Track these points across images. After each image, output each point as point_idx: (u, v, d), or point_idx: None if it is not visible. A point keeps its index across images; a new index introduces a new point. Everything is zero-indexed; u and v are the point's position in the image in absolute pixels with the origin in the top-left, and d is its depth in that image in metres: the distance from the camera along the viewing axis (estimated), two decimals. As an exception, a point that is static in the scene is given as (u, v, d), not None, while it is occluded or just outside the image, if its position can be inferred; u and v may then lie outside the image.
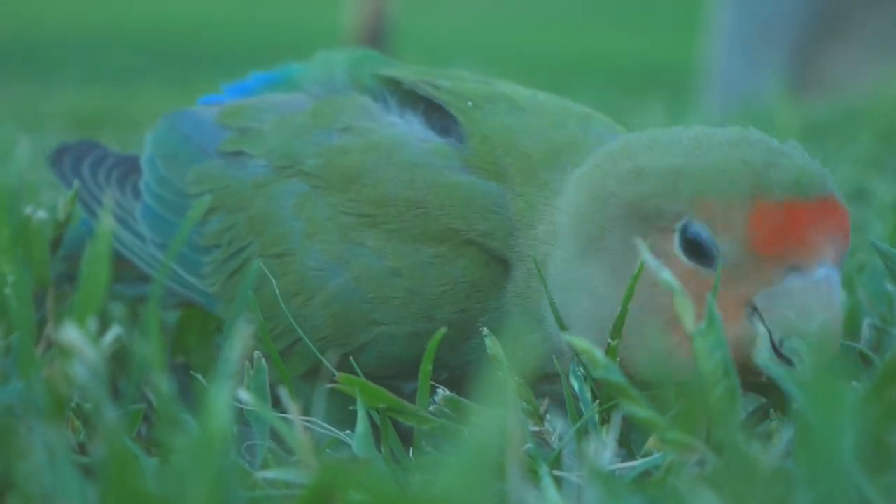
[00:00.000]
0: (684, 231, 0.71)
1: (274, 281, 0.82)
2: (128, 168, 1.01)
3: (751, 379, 0.70)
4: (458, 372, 0.81)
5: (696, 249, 0.70)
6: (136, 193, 0.97)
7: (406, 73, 0.92)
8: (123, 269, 0.98)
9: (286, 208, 0.86)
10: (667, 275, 0.65)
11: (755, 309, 0.70)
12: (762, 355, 0.68)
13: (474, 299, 0.80)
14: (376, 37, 6.77)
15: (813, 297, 0.69)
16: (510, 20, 11.33)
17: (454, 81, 0.90)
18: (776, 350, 0.69)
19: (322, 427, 0.74)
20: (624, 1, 12.81)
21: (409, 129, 0.86)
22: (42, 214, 0.92)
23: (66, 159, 1.04)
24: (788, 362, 0.68)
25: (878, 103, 2.74)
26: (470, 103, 0.86)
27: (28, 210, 0.93)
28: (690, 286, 0.69)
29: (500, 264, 0.80)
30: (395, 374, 0.82)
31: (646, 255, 0.68)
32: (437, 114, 0.87)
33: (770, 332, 0.69)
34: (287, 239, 0.85)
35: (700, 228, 0.70)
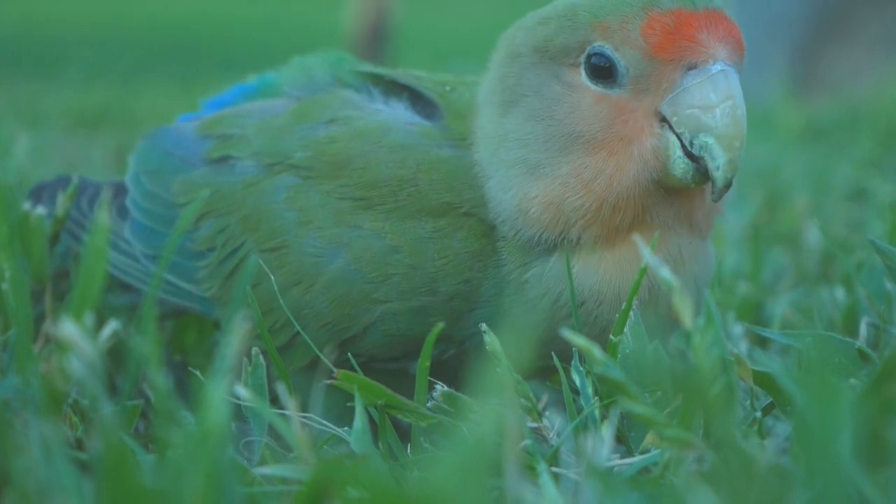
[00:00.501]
0: (588, 60, 0.77)
1: (272, 275, 0.83)
2: (111, 193, 0.99)
3: (677, 189, 0.77)
4: (466, 345, 0.81)
5: (601, 71, 0.77)
6: (123, 214, 0.97)
7: (384, 70, 0.94)
8: (112, 283, 0.98)
9: (278, 202, 0.86)
10: (665, 272, 0.65)
11: (664, 119, 0.76)
12: (678, 165, 0.75)
13: (476, 269, 0.81)
14: (378, 37, 6.75)
15: (711, 89, 0.74)
16: (512, 22, 11.31)
17: (430, 73, 0.93)
18: (689, 154, 0.75)
19: (320, 423, 0.74)
20: (626, 1, 12.80)
21: (395, 114, 0.87)
22: (40, 210, 0.92)
23: (45, 194, 1.04)
24: (701, 162, 0.74)
25: (878, 104, 2.73)
26: (448, 87, 0.89)
27: (27, 206, 0.93)
28: (603, 110, 0.76)
29: (491, 219, 0.81)
30: (402, 355, 0.82)
31: (643, 249, 0.68)
32: (420, 102, 0.89)
33: (679, 136, 0.75)
34: (281, 231, 0.85)
35: (601, 48, 0.76)
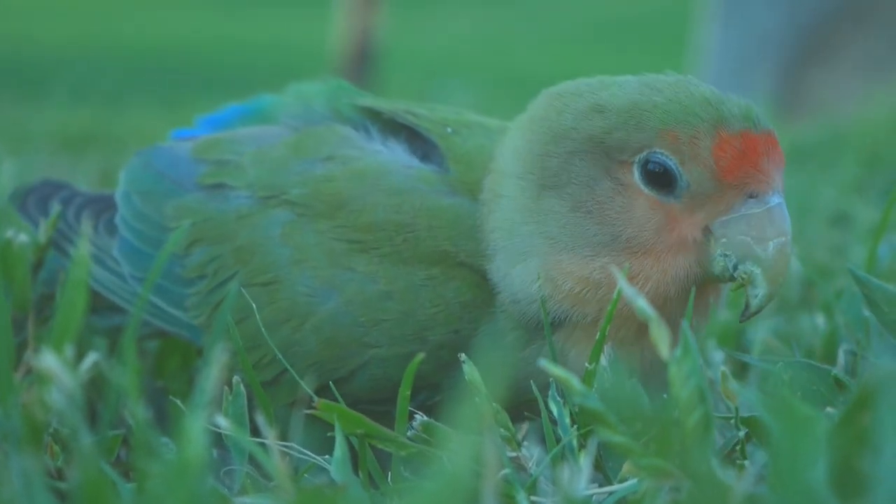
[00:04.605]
0: (645, 164, 0.76)
1: (256, 310, 0.82)
2: (99, 207, 1.00)
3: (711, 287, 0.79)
4: (450, 394, 0.81)
5: (657, 179, 0.76)
6: (111, 231, 0.96)
7: (382, 103, 0.93)
8: (98, 302, 0.98)
9: (272, 237, 0.86)
10: (642, 302, 0.65)
11: (711, 233, 0.76)
12: (717, 264, 0.75)
13: (466, 320, 0.81)
14: (364, 57, 6.77)
15: (768, 222, 0.75)
16: (499, 41, 11.35)
17: (429, 110, 0.91)
18: (730, 274, 0.75)
19: (301, 452, 0.75)
20: (612, 22, 12.84)
21: (394, 156, 0.87)
22: (23, 238, 0.92)
23: (30, 200, 1.03)
24: (738, 281, 0.75)
25: (862, 127, 2.75)
26: (449, 129, 0.88)
27: (9, 233, 0.93)
28: (656, 217, 0.76)
29: (491, 284, 0.81)
30: (387, 398, 0.82)
31: (622, 282, 0.68)
32: (417, 141, 0.88)
33: (724, 257, 0.75)
34: (274, 267, 0.85)
35: (664, 158, 0.75)
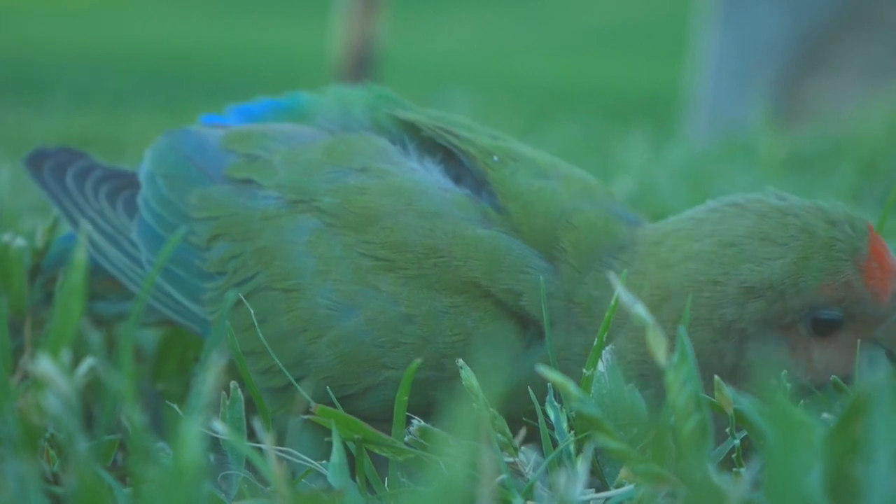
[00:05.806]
0: (811, 321, 0.78)
1: (273, 314, 0.82)
2: (119, 184, 0.97)
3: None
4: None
5: (827, 325, 0.79)
6: (130, 211, 0.94)
7: (423, 117, 0.91)
8: (108, 287, 0.97)
9: (298, 244, 0.85)
10: (640, 308, 0.65)
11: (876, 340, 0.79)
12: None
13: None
14: (365, 63, 6.77)
15: None
16: (497, 48, 11.35)
17: (469, 131, 0.90)
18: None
19: (297, 457, 0.75)
20: (611, 29, 12.83)
21: (429, 177, 0.86)
22: (20, 242, 0.92)
23: (45, 167, 0.99)
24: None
25: (860, 134, 2.74)
26: (496, 158, 0.87)
27: (6, 238, 0.93)
28: (827, 356, 0.79)
29: (518, 321, 0.81)
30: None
31: (619, 290, 0.68)
32: (451, 162, 0.88)
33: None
34: (296, 274, 0.84)
35: (828, 312, 0.78)
